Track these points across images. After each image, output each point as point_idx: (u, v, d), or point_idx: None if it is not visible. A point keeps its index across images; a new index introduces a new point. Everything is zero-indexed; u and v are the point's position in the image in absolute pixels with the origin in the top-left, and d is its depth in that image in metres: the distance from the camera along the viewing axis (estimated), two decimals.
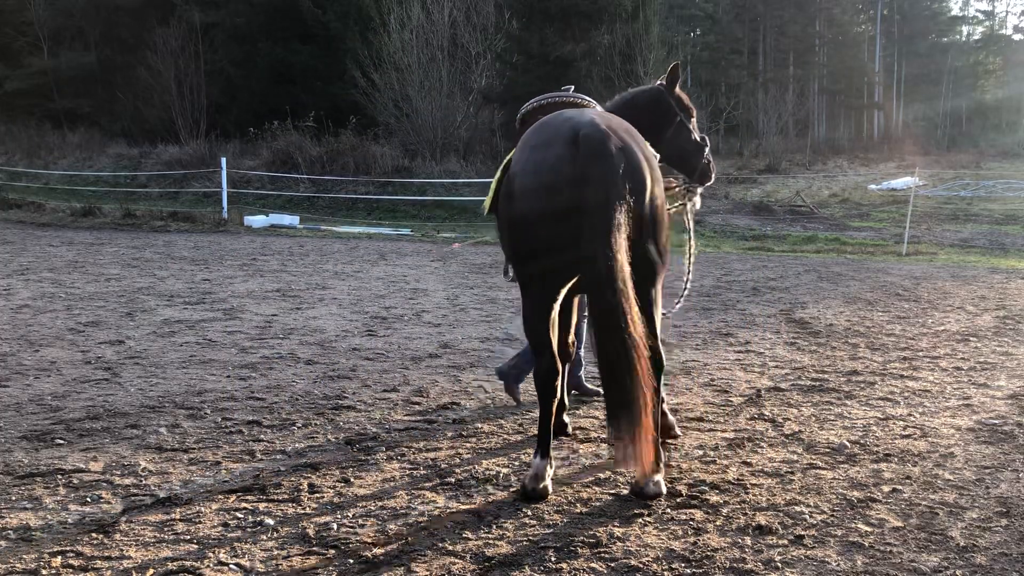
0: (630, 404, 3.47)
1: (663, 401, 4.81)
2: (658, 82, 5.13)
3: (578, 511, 3.77)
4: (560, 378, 4.10)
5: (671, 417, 4.84)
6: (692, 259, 5.37)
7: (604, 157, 3.70)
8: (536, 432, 4.11)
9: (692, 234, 5.33)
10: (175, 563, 3.22)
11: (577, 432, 4.94)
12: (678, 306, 5.58)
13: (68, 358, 6.56)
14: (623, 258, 3.57)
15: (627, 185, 3.68)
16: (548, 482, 3.95)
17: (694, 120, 5.18)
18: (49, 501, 3.80)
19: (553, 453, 4.08)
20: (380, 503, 3.83)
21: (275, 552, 3.33)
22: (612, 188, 3.63)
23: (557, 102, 4.60)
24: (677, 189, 5.26)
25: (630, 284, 3.57)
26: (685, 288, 5.39)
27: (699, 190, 5.32)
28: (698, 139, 5.16)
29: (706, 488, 4.03)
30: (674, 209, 5.25)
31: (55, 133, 33.08)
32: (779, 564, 3.26)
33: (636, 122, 4.74)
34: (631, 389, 3.47)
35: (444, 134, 25.91)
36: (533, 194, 3.80)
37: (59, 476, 4.10)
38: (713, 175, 5.30)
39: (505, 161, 4.20)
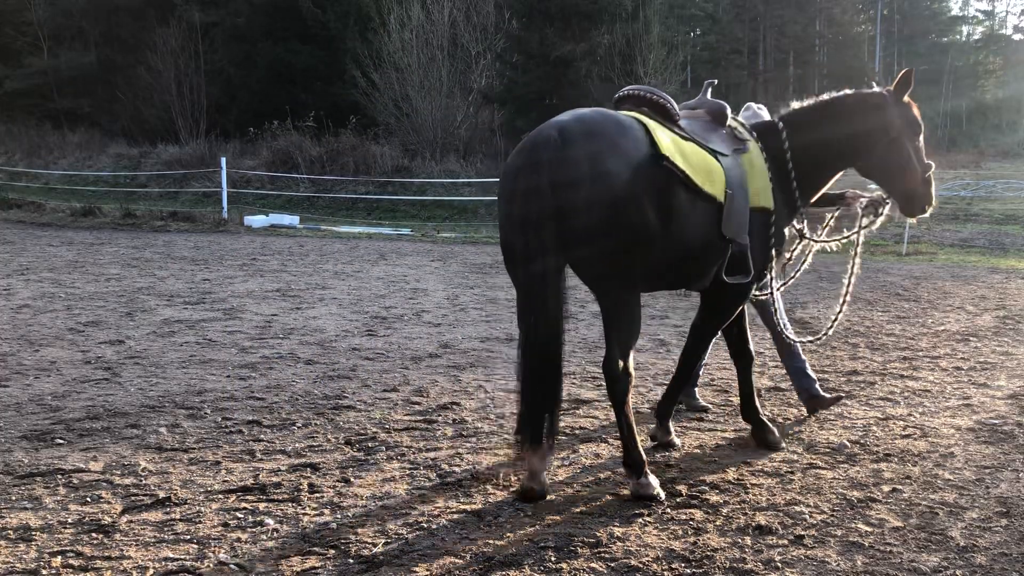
0: (539, 420, 3.69)
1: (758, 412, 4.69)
2: (884, 88, 4.58)
3: (578, 511, 3.76)
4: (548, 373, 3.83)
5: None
6: (851, 285, 4.94)
7: (528, 171, 3.63)
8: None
9: (857, 258, 4.89)
10: (175, 563, 3.22)
11: (577, 432, 4.94)
12: (829, 331, 5.09)
13: (68, 358, 6.56)
14: (543, 280, 3.62)
15: (555, 203, 3.56)
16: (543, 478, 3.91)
17: (921, 138, 4.55)
18: (49, 501, 3.80)
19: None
20: (380, 503, 3.83)
21: (275, 552, 3.33)
22: (529, 205, 3.60)
23: (626, 96, 4.25)
24: (865, 205, 4.81)
25: (551, 308, 3.65)
26: (840, 312, 4.97)
27: (884, 210, 4.78)
28: (917, 163, 4.51)
29: (706, 488, 4.03)
30: (857, 233, 4.82)
31: (55, 133, 33.04)
32: (779, 564, 3.26)
33: (831, 129, 4.43)
34: (544, 407, 3.70)
35: (444, 134, 25.91)
36: (499, 201, 3.87)
37: (59, 476, 4.09)
38: (928, 208, 4.61)
39: None
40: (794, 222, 4.68)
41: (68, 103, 36.49)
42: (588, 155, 3.61)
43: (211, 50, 33.44)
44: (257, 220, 19.57)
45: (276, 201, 23.28)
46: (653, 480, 3.92)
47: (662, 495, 3.89)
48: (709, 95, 4.45)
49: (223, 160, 21.39)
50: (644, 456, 3.96)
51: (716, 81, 4.67)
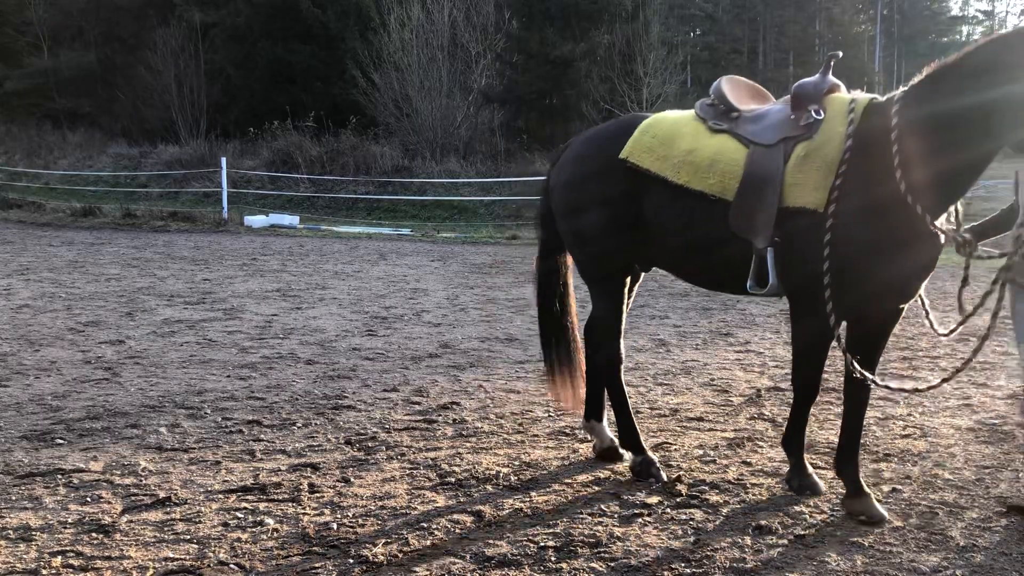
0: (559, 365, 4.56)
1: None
2: None
3: (578, 511, 3.77)
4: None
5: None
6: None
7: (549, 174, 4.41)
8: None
9: None
10: (175, 563, 3.22)
11: (576, 432, 4.94)
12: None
13: (68, 358, 6.56)
14: (539, 275, 4.53)
15: (547, 204, 4.33)
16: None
17: None
18: (49, 501, 3.80)
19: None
20: (380, 503, 3.83)
21: (275, 552, 3.33)
22: (540, 204, 4.48)
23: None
24: None
25: (547, 297, 4.51)
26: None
27: None
28: None
29: (706, 488, 4.03)
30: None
31: (55, 133, 33.05)
32: (779, 564, 3.26)
33: (956, 98, 3.27)
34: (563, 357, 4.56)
35: (444, 134, 25.90)
36: None
37: (59, 476, 4.10)
38: None
39: None
40: (945, 229, 3.43)
41: (68, 103, 36.49)
42: (565, 162, 4.22)
43: (211, 50, 33.44)
44: (257, 220, 19.57)
45: (276, 201, 23.28)
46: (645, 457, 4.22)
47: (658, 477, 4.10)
48: (829, 73, 3.77)
49: (223, 160, 21.39)
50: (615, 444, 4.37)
51: (840, 53, 3.84)
